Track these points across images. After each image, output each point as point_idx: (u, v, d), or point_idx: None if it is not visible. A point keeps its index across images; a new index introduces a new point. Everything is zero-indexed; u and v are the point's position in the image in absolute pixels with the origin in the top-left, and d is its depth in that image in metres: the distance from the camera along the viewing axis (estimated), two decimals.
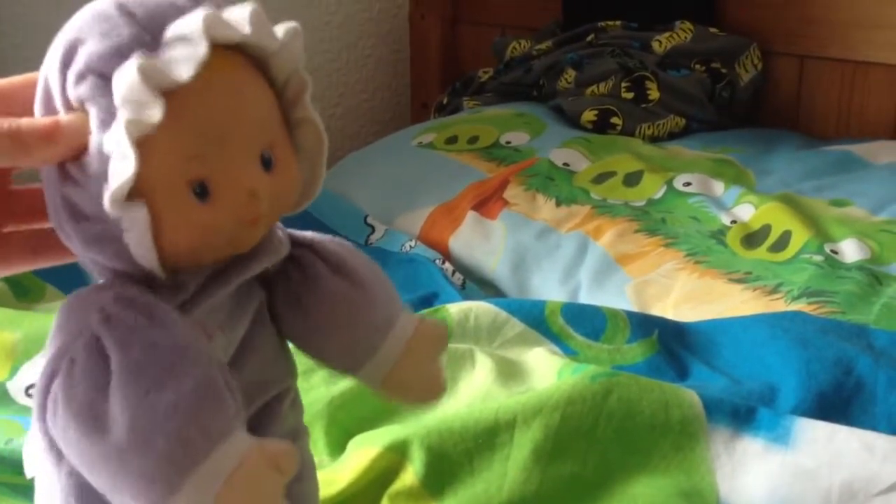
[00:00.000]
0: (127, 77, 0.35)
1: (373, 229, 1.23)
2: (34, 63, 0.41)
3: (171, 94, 0.36)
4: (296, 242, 0.46)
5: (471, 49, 1.84)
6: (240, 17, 0.38)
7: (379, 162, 1.39)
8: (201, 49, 0.36)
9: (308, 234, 0.47)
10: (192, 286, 0.40)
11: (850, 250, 1.03)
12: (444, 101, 1.67)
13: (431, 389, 0.48)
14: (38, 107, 0.39)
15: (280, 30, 0.40)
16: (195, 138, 0.38)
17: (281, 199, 0.41)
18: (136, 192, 0.37)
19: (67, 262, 0.44)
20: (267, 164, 0.40)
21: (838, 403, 0.75)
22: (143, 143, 0.36)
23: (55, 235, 0.40)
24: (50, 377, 0.37)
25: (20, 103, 0.40)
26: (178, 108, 0.36)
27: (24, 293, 0.98)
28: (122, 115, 0.36)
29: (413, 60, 1.89)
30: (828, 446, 0.66)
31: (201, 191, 0.38)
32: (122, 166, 0.36)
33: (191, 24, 0.37)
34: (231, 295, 0.42)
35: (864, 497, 0.63)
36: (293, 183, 0.42)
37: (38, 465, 0.40)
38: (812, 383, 0.76)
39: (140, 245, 0.37)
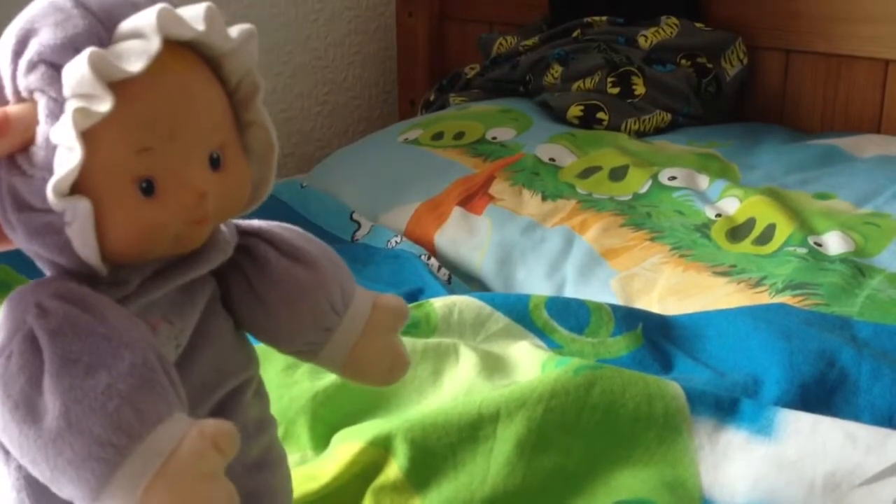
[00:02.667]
0: (77, 68, 0.36)
1: (359, 226, 1.23)
2: None
3: (121, 88, 0.36)
4: (244, 232, 0.46)
5: (458, 46, 1.84)
6: (194, 15, 0.38)
7: (365, 158, 1.39)
8: (154, 43, 0.37)
9: (255, 221, 0.47)
10: (134, 282, 0.40)
11: (834, 243, 1.03)
12: (431, 97, 1.67)
13: (394, 367, 0.48)
14: None
15: (234, 31, 0.40)
16: (143, 132, 0.38)
17: (228, 199, 0.41)
18: (80, 185, 0.37)
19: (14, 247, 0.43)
20: (215, 163, 0.40)
21: (822, 395, 0.75)
22: (90, 135, 0.36)
23: None
24: None
25: None
26: (127, 102, 0.37)
27: (6, 290, 0.97)
28: (71, 106, 0.36)
29: (400, 57, 1.89)
30: (811, 437, 0.66)
31: (147, 187, 0.38)
32: (67, 157, 0.36)
33: (145, 18, 0.37)
34: (177, 287, 0.42)
35: (847, 488, 0.63)
36: (241, 184, 0.42)
37: None
38: (795, 375, 0.76)
39: (82, 239, 0.37)
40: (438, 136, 1.39)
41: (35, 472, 0.37)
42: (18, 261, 0.98)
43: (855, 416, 0.72)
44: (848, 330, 0.84)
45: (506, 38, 1.64)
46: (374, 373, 0.48)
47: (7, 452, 0.39)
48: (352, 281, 0.48)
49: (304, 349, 0.47)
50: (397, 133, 1.43)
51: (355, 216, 1.24)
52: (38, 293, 0.38)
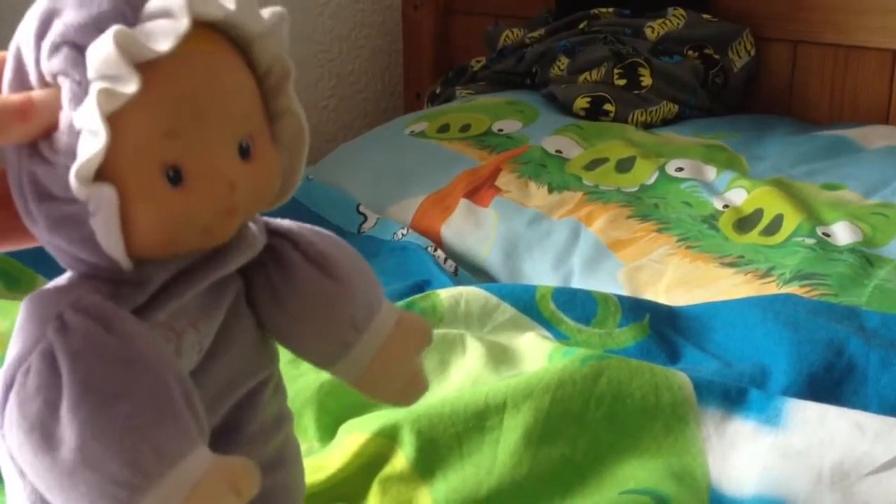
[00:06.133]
0: (102, 48, 0.34)
1: (365, 218, 1.23)
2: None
3: (147, 69, 0.35)
4: (273, 232, 0.44)
5: (464, 39, 1.83)
6: None
7: (371, 151, 1.39)
8: (183, 23, 0.35)
9: (286, 222, 0.45)
10: (159, 280, 0.39)
11: (842, 233, 1.03)
12: (437, 90, 1.67)
13: (410, 388, 0.46)
14: (9, 80, 0.38)
15: (266, 13, 0.39)
16: (170, 115, 0.36)
17: (258, 191, 0.40)
18: (105, 173, 0.35)
19: (36, 245, 0.41)
20: (245, 153, 0.39)
21: (829, 384, 0.75)
22: (115, 119, 0.35)
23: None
24: (7, 387, 0.36)
25: None
26: (153, 83, 0.35)
27: (14, 283, 0.97)
28: (95, 88, 0.34)
29: (406, 51, 1.89)
30: (819, 427, 0.66)
31: (175, 176, 0.36)
32: (91, 141, 0.34)
33: None
34: (204, 288, 0.41)
35: (855, 477, 0.63)
36: (272, 175, 0.40)
37: (4, 468, 0.39)
38: (803, 365, 0.76)
39: (107, 230, 0.36)
40: (444, 128, 1.39)
41: (49, 498, 0.36)
42: (26, 254, 0.98)
43: (863, 406, 0.72)
44: (856, 320, 0.84)
45: (512, 30, 1.64)
46: (388, 392, 0.46)
47: (21, 468, 0.37)
48: (378, 295, 0.45)
49: (321, 359, 0.45)
50: (403, 126, 1.43)
51: (362, 208, 1.24)
52: (59, 302, 0.37)
